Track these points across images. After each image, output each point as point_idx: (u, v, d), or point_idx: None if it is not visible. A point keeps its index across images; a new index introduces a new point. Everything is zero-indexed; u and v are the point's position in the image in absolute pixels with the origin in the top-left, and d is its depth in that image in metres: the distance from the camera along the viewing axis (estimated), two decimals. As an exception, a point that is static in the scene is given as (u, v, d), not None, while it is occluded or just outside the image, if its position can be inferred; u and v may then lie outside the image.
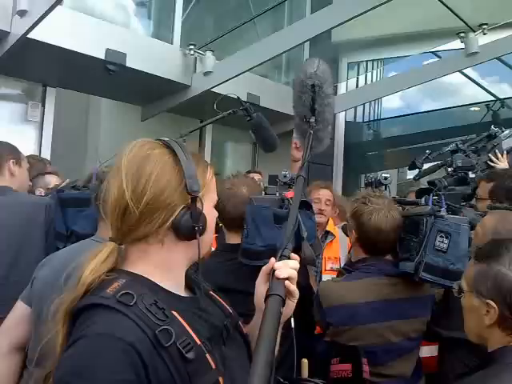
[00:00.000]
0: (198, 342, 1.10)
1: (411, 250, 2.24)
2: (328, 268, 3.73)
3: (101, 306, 1.05)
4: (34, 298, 1.95)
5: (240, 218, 2.21)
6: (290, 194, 2.38)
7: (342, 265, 3.54)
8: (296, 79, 1.83)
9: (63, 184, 3.01)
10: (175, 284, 1.22)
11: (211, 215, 1.25)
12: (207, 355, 1.10)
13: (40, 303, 1.91)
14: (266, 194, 2.45)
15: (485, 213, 2.43)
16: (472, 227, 2.31)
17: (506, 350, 1.46)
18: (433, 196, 2.36)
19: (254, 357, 1.00)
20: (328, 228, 3.93)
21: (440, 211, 2.19)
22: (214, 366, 1.10)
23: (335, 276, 2.94)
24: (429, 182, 3.47)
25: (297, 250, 2.60)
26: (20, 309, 2.00)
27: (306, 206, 2.30)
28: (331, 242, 3.88)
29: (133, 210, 1.11)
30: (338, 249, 3.86)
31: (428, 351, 2.61)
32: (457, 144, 3.66)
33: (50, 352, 1.12)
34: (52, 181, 3.29)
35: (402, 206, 2.48)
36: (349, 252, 3.53)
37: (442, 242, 2.12)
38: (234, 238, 2.33)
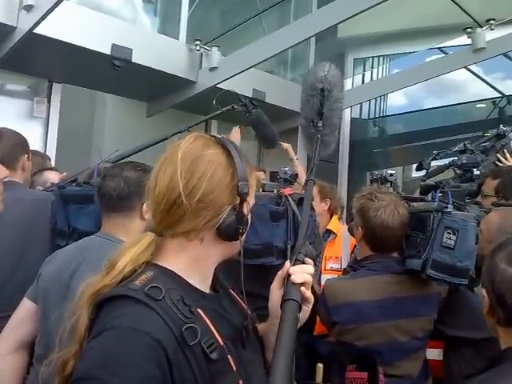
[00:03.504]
0: (221, 342, 1.09)
1: (418, 247, 2.22)
2: (328, 267, 3.66)
3: (128, 298, 1.05)
4: (40, 295, 1.96)
5: None
6: (287, 190, 2.37)
7: (343, 265, 3.51)
8: (305, 82, 1.81)
9: (59, 178, 2.97)
10: (202, 280, 1.21)
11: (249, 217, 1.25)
12: (229, 356, 1.09)
13: (45, 299, 1.92)
14: (263, 190, 2.44)
15: (490, 210, 2.43)
16: (477, 224, 2.31)
17: None
18: (439, 193, 2.35)
19: (273, 363, 1.00)
20: (330, 226, 3.87)
21: (447, 207, 2.18)
22: (235, 368, 1.09)
23: (335, 276, 2.92)
24: (436, 183, 3.46)
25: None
26: (26, 306, 2.00)
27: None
28: (333, 240, 3.81)
29: (185, 204, 1.11)
30: (340, 248, 3.78)
31: (436, 354, 2.58)
32: (465, 144, 3.63)
33: (70, 336, 1.12)
34: (51, 177, 3.22)
35: (407, 203, 2.45)
36: (352, 252, 3.51)
37: (450, 238, 2.11)
38: None
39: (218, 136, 1.23)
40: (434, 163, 3.79)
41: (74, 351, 1.10)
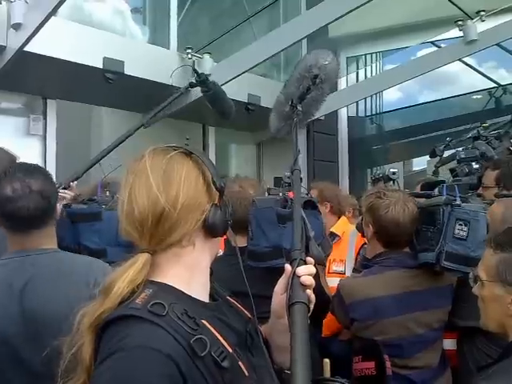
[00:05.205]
0: (230, 349, 1.07)
1: (429, 241, 2.25)
2: (331, 270, 3.59)
3: (132, 318, 1.02)
4: None
5: (246, 221, 2.21)
6: (292, 193, 2.37)
7: (347, 267, 3.49)
8: (304, 60, 1.72)
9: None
10: (202, 289, 1.20)
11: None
12: (240, 363, 1.08)
13: None
14: (269, 194, 2.45)
15: (492, 201, 2.43)
16: (483, 215, 2.31)
17: None
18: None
19: (293, 365, 0.99)
20: (333, 229, 3.80)
21: (455, 200, 2.21)
22: (247, 374, 1.08)
23: (339, 279, 2.92)
24: (450, 170, 3.46)
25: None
26: None
27: (311, 205, 2.29)
28: (337, 243, 3.72)
29: (172, 213, 1.10)
30: (345, 251, 3.70)
31: (450, 344, 2.58)
32: (478, 130, 3.62)
33: (75, 365, 1.08)
34: None
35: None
36: (358, 253, 3.48)
37: (462, 229, 2.15)
38: (240, 241, 2.31)
39: (172, 145, 1.22)
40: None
41: (82, 382, 1.07)
